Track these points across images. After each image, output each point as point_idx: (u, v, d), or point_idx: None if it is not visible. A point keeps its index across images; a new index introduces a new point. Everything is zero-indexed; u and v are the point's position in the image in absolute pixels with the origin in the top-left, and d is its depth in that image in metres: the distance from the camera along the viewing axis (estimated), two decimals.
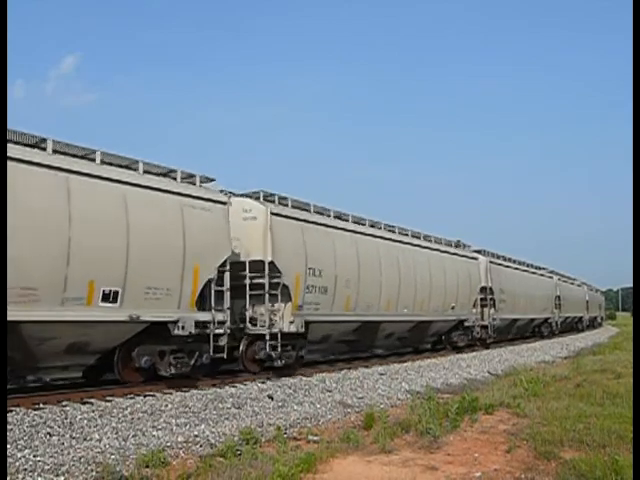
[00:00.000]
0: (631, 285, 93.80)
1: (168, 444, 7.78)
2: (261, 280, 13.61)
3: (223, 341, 12.32)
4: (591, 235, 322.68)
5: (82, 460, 6.83)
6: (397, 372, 16.09)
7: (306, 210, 15.72)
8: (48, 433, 7.93)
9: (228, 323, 12.45)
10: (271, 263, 13.61)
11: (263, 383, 12.96)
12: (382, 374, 15.49)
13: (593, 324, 55.47)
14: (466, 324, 23.65)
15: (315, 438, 8.40)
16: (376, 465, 7.09)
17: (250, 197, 14.60)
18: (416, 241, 20.77)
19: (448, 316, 22.29)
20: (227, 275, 12.47)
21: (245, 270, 13.45)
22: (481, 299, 24.93)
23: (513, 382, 14.07)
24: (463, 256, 24.41)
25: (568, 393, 12.30)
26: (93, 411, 9.32)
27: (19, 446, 7.24)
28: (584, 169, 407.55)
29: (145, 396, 10.82)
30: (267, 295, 13.61)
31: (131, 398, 10.55)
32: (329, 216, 16.53)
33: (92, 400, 10.19)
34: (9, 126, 9.32)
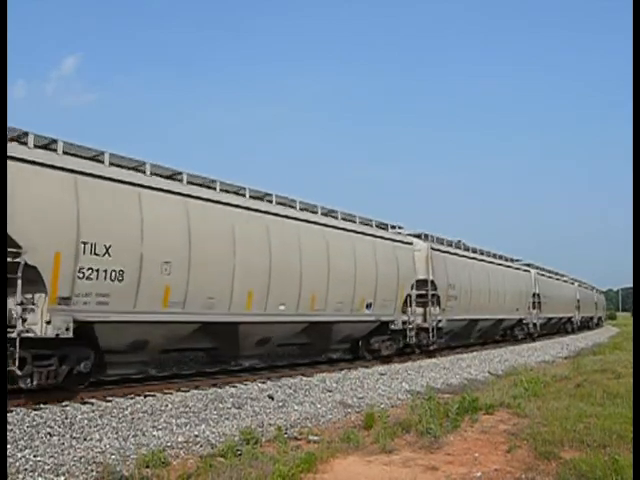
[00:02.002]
0: (631, 285, 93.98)
1: (168, 444, 7.78)
2: None
3: None
4: (591, 235, 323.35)
5: (82, 460, 6.83)
6: (397, 372, 16.09)
7: (97, 160, 10.72)
8: (48, 433, 7.94)
9: None
10: None
11: (263, 383, 12.98)
12: (382, 374, 15.49)
13: (588, 325, 51.09)
14: (393, 327, 18.35)
15: (315, 438, 8.40)
16: (376, 465, 7.09)
17: None
18: (306, 215, 15.36)
19: (361, 316, 16.94)
20: None
21: None
22: (418, 296, 19.54)
23: (513, 382, 14.06)
24: (392, 240, 18.89)
25: (568, 393, 12.31)
26: (93, 411, 9.34)
27: (19, 446, 7.25)
28: (584, 169, 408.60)
29: (145, 396, 10.84)
30: None
31: (131, 398, 10.56)
32: (143, 172, 11.42)
33: (92, 400, 10.20)
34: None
